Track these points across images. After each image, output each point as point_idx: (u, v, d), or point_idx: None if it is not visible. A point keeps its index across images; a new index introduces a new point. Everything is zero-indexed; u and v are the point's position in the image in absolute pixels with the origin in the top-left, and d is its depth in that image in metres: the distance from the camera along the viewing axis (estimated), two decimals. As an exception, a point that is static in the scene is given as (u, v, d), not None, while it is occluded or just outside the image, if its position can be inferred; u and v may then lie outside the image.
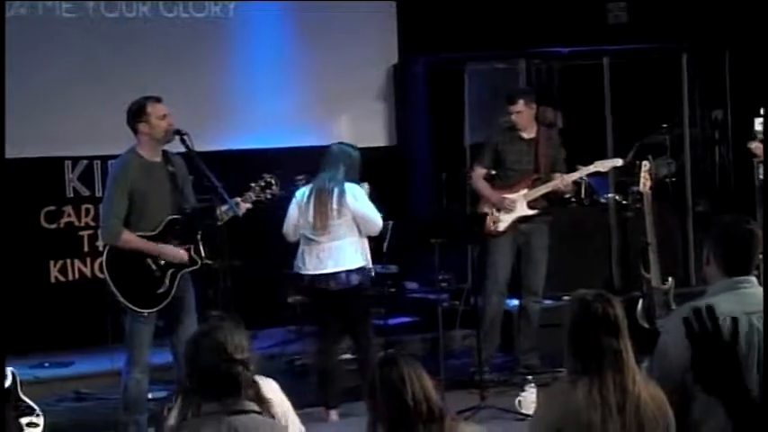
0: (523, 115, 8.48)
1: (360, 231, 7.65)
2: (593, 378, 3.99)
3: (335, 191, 7.58)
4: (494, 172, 8.56)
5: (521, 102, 8.49)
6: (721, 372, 3.00)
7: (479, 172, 8.62)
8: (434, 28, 10.60)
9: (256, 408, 3.99)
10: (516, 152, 8.54)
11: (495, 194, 8.46)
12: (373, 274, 7.87)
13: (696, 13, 10.82)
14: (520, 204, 8.44)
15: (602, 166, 8.65)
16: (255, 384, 4.60)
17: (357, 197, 7.61)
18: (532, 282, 8.57)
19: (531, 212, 8.46)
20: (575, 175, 8.59)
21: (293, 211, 7.76)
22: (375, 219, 7.66)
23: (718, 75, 10.84)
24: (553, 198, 8.66)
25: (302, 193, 7.76)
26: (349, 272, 7.61)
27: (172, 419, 4.38)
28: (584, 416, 3.96)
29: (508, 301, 8.80)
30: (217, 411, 3.87)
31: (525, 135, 8.53)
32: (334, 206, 7.56)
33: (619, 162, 8.82)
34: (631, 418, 3.95)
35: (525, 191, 8.45)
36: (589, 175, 9.08)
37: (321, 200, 7.60)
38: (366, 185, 7.84)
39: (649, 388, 4.00)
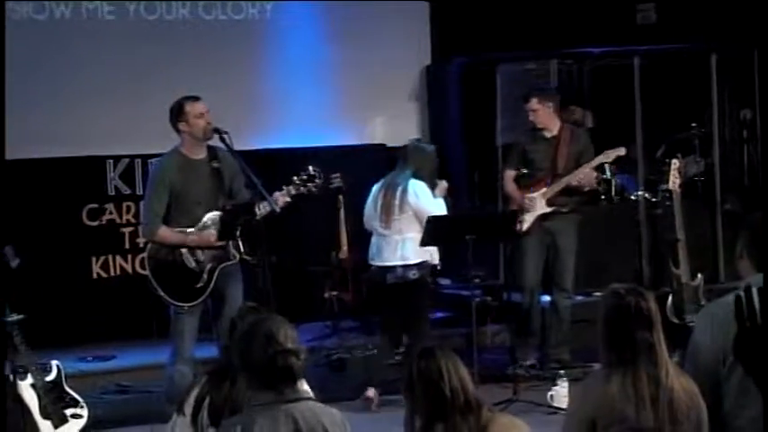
0: (539, 113, 8.46)
1: (422, 227, 7.68)
2: (627, 371, 3.99)
3: (399, 187, 7.71)
4: (525, 171, 8.54)
5: (534, 100, 8.50)
6: (763, 352, 3.01)
7: (509, 174, 8.62)
8: (467, 29, 10.60)
9: (311, 394, 4.01)
10: (539, 151, 8.54)
11: (518, 194, 8.46)
12: (439, 268, 7.94)
13: (725, 14, 10.76)
14: (539, 203, 8.43)
15: (606, 156, 8.61)
16: None
17: (419, 194, 7.70)
18: (561, 278, 8.56)
19: (549, 209, 8.43)
20: (584, 169, 8.52)
21: (368, 203, 7.96)
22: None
23: (747, 74, 10.78)
24: (582, 195, 8.63)
25: (377, 187, 7.89)
26: (406, 266, 7.70)
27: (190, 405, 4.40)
28: (618, 408, 3.96)
29: (541, 298, 8.78)
30: (272, 401, 3.89)
31: (547, 134, 8.52)
32: (397, 202, 7.69)
33: (622, 151, 8.74)
34: (664, 411, 3.94)
35: (544, 189, 8.45)
36: (618, 173, 9.05)
37: (387, 195, 7.76)
38: (444, 183, 7.94)
39: (682, 380, 3.99)
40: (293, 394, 3.92)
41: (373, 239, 7.93)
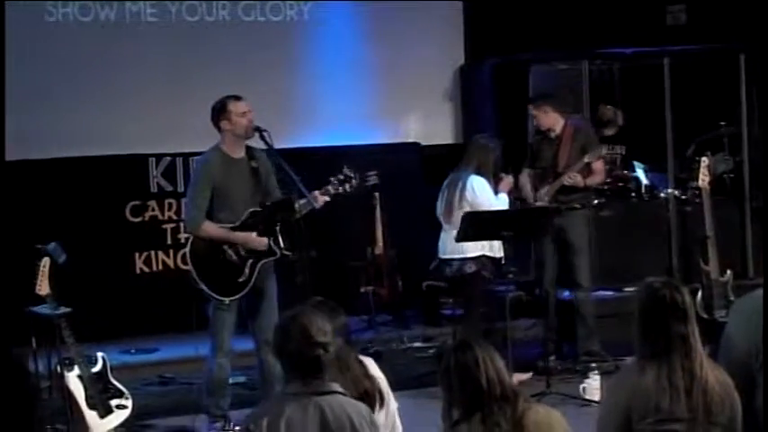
0: (539, 118, 8.48)
1: None
2: (661, 362, 3.98)
3: (460, 183, 7.76)
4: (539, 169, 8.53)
5: (530, 107, 8.61)
6: None
7: (525, 173, 8.60)
8: (500, 30, 10.58)
9: (341, 389, 4.01)
10: (545, 150, 8.53)
11: (530, 194, 8.43)
12: (503, 262, 7.95)
13: (753, 15, 10.69)
14: (541, 201, 8.39)
15: (589, 157, 8.49)
16: (363, 364, 4.67)
17: (477, 190, 7.75)
18: (576, 273, 8.49)
19: (544, 205, 8.40)
20: (574, 168, 8.47)
21: (439, 198, 8.02)
22: None
23: (775, 74, 10.71)
24: (588, 192, 8.59)
25: (445, 183, 7.98)
26: (464, 260, 7.76)
27: None
28: (653, 398, 3.95)
29: (560, 294, 8.72)
30: (300, 392, 3.90)
31: (552, 134, 8.52)
32: (456, 197, 7.74)
33: (603, 150, 8.66)
34: (699, 401, 3.93)
35: (547, 188, 8.43)
36: (648, 171, 8.98)
37: (450, 190, 7.84)
38: (509, 178, 8.02)
39: (716, 373, 3.98)
40: (323, 387, 3.93)
41: (441, 234, 7.99)
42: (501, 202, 7.87)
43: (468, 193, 7.73)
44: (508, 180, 7.99)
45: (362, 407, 4.03)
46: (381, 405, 4.68)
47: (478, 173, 7.81)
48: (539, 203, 8.30)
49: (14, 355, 3.86)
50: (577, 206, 8.48)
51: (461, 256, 7.78)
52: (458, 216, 7.72)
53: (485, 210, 7.78)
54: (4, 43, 7.99)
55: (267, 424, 3.84)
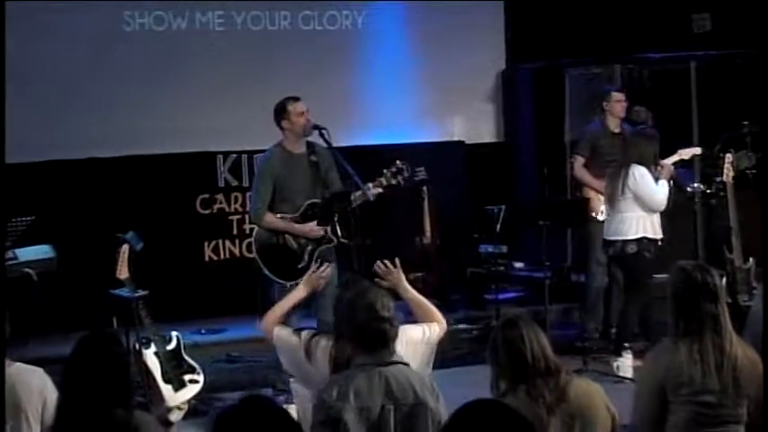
0: (623, 105, 8.52)
1: (643, 207, 7.71)
2: (693, 339, 3.96)
3: (623, 172, 7.71)
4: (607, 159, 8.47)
5: (621, 94, 8.65)
6: None
7: (580, 160, 8.56)
8: (538, 37, 10.55)
9: (404, 360, 4.02)
10: (611, 145, 8.47)
11: (597, 182, 8.35)
12: (661, 243, 7.90)
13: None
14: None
15: (685, 153, 8.52)
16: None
17: (638, 178, 7.69)
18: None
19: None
20: (667, 162, 8.46)
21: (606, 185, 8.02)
22: (653, 198, 7.72)
23: (796, 76, 10.63)
24: None
25: (608, 171, 7.97)
26: (626, 241, 7.72)
27: (320, 351, 4.40)
28: (686, 372, 3.93)
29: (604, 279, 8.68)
30: (368, 363, 3.91)
31: (615, 129, 8.47)
32: (620, 185, 7.70)
33: (698, 150, 8.67)
34: (728, 376, 3.92)
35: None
36: (677, 167, 8.87)
37: (613, 178, 7.80)
38: (670, 166, 7.94)
39: (746, 349, 3.96)
40: (388, 357, 3.94)
41: (605, 218, 7.97)
42: (661, 189, 7.80)
43: (630, 182, 7.68)
44: (669, 168, 7.93)
45: (424, 375, 4.04)
46: None
47: (640, 163, 7.74)
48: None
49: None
50: None
51: (623, 237, 7.74)
52: (621, 203, 7.71)
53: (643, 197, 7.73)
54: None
55: (336, 393, 3.86)
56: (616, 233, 7.79)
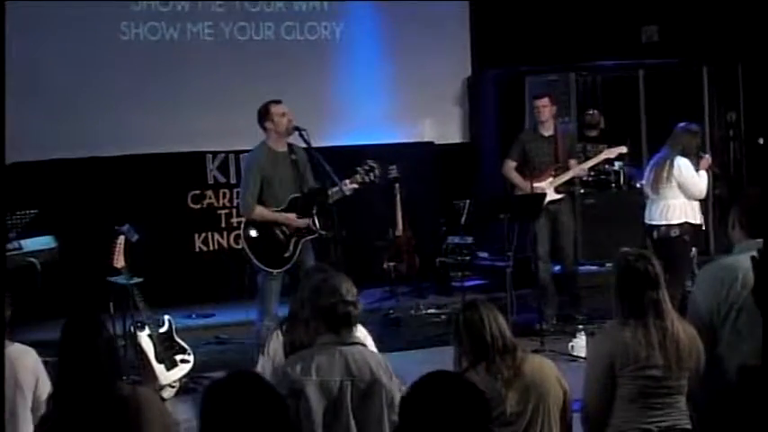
0: (548, 110, 8.38)
1: (685, 195, 7.72)
2: (637, 322, 3.98)
3: (667, 162, 7.71)
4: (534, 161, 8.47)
5: (546, 99, 8.46)
6: None
7: (510, 164, 8.50)
8: (500, 47, 10.57)
9: (362, 341, 4.03)
10: (540, 147, 8.42)
11: (525, 183, 8.29)
12: (703, 228, 7.89)
13: (715, 33, 10.66)
14: (549, 191, 8.36)
15: (610, 153, 8.57)
16: None
17: (681, 168, 7.68)
18: (566, 249, 8.51)
19: (558, 196, 8.39)
20: (589, 163, 8.52)
21: (646, 174, 8.00)
22: (694, 187, 7.72)
23: (733, 83, 10.68)
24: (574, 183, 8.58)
25: (651, 162, 7.94)
26: (669, 226, 7.71)
27: (276, 342, 4.43)
28: (632, 350, 3.95)
29: (552, 267, 8.69)
30: (331, 342, 3.92)
31: (545, 132, 8.45)
32: (665, 174, 7.70)
33: (624, 149, 8.70)
34: (672, 351, 3.94)
35: (550, 179, 8.38)
36: (626, 165, 8.92)
37: (659, 167, 7.77)
38: (707, 158, 7.90)
39: (685, 326, 3.98)
40: (349, 338, 3.95)
41: (647, 203, 7.95)
42: (702, 179, 7.79)
43: (675, 171, 7.68)
44: (706, 159, 7.93)
45: (379, 356, 4.05)
46: None
47: (683, 154, 7.73)
48: (538, 191, 8.24)
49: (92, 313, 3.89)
50: (563, 195, 8.47)
51: (667, 222, 7.74)
52: (664, 190, 7.70)
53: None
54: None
55: (300, 368, 3.86)
56: (660, 218, 7.79)
